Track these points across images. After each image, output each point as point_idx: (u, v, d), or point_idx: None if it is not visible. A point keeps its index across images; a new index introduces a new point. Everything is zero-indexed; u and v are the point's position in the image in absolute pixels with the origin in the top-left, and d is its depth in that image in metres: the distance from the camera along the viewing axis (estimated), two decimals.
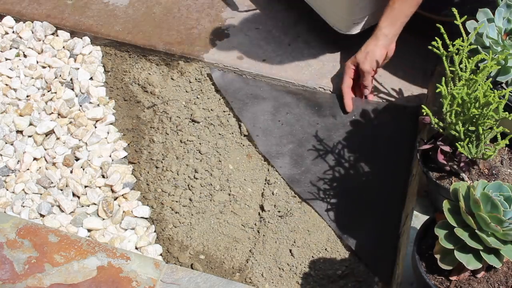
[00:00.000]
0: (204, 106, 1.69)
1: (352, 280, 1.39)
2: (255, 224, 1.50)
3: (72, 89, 1.74)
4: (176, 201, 1.54)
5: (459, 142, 1.09)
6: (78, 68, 1.77)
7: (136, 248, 1.46)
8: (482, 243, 0.93)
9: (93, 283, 1.22)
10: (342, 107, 1.64)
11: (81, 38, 1.84)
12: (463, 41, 1.10)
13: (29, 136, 1.64)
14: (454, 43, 1.09)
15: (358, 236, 1.45)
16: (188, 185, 1.56)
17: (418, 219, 1.25)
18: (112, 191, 1.56)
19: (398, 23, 1.52)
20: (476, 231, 0.93)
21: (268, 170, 1.58)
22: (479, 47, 1.16)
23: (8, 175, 1.57)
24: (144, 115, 1.71)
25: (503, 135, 1.09)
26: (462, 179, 1.13)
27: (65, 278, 1.23)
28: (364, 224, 1.47)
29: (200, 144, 1.63)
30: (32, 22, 1.87)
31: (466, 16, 1.16)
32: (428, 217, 1.12)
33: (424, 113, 1.12)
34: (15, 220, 1.33)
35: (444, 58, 1.10)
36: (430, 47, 1.13)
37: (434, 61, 1.69)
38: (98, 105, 1.72)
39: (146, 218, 1.52)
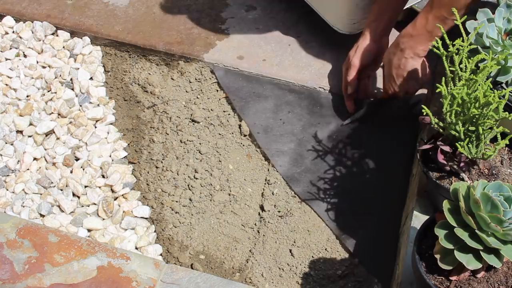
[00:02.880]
0: (204, 106, 1.69)
1: (352, 280, 1.39)
2: (255, 224, 1.50)
3: (72, 89, 1.74)
4: (176, 201, 1.54)
5: (459, 142, 1.09)
6: (78, 68, 1.77)
7: (136, 248, 1.46)
8: (482, 243, 0.93)
9: (93, 283, 1.22)
10: (344, 107, 1.64)
11: (81, 38, 1.84)
12: (463, 41, 1.10)
13: (29, 136, 1.64)
14: (454, 43, 1.09)
15: (357, 237, 1.45)
16: (188, 185, 1.56)
17: (418, 219, 1.25)
18: (112, 191, 1.56)
19: (386, 18, 1.50)
20: (476, 231, 0.93)
21: (268, 170, 1.59)
22: (479, 47, 1.16)
23: (8, 175, 1.57)
24: (144, 115, 1.71)
25: (503, 135, 1.09)
26: (462, 179, 1.13)
27: (65, 278, 1.23)
28: (364, 225, 1.47)
29: (200, 144, 1.63)
30: (32, 22, 1.87)
31: (466, 16, 1.16)
32: (428, 217, 1.12)
33: (424, 113, 1.12)
34: (15, 220, 1.33)
35: (444, 58, 1.10)
36: (430, 46, 1.13)
37: (434, 61, 1.69)
38: (98, 105, 1.72)
39: (146, 218, 1.52)
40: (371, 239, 1.45)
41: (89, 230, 1.48)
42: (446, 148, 1.13)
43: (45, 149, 1.62)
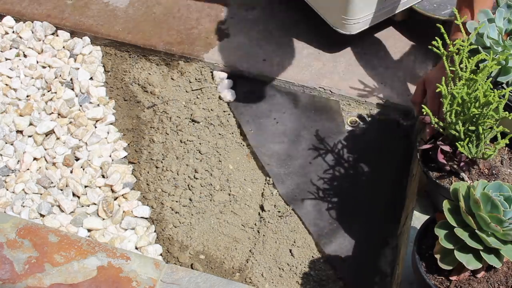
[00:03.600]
0: (204, 106, 1.69)
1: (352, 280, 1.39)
2: (255, 224, 1.50)
3: (72, 89, 1.73)
4: (176, 201, 1.54)
5: (459, 142, 1.08)
6: (78, 68, 1.77)
7: (136, 248, 1.46)
8: (482, 243, 0.93)
9: (93, 283, 1.22)
10: (343, 108, 1.65)
11: (81, 38, 1.84)
12: (463, 41, 1.10)
13: (29, 136, 1.64)
14: (454, 42, 1.09)
15: (337, 247, 1.44)
16: (188, 185, 1.56)
17: (418, 219, 1.25)
18: (112, 191, 1.56)
19: None
20: (476, 231, 0.93)
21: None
22: (479, 47, 1.16)
23: (8, 175, 1.57)
24: (144, 115, 1.71)
25: (503, 135, 1.09)
26: (462, 179, 1.13)
27: (65, 278, 1.23)
28: (345, 234, 1.46)
29: (200, 144, 1.63)
30: (32, 22, 1.87)
31: (466, 16, 1.16)
32: (428, 217, 1.12)
33: (424, 113, 1.12)
34: (15, 220, 1.33)
35: (444, 58, 1.10)
36: (430, 46, 1.13)
37: (434, 61, 1.70)
38: (98, 105, 1.71)
39: (146, 218, 1.52)
40: (351, 250, 1.44)
41: (89, 230, 1.48)
42: (446, 148, 1.13)
43: (45, 149, 1.62)
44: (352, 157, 1.58)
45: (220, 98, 1.71)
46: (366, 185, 1.53)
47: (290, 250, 1.44)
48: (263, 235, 1.47)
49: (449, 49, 1.10)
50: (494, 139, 1.11)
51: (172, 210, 1.52)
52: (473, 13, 1.24)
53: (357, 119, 1.64)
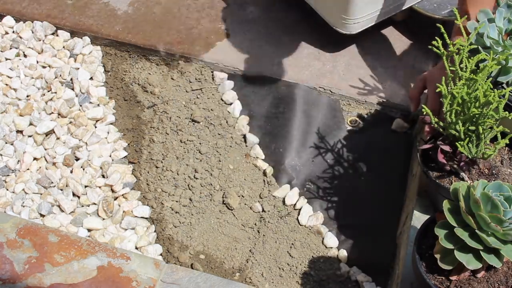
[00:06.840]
0: (204, 106, 1.69)
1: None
2: (255, 224, 1.50)
3: (72, 89, 1.73)
4: (176, 201, 1.54)
5: (459, 142, 1.08)
6: (78, 68, 1.77)
7: (136, 248, 1.46)
8: (482, 243, 0.93)
9: (93, 283, 1.22)
10: (343, 108, 1.65)
11: (81, 38, 1.84)
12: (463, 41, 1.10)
13: (29, 136, 1.64)
14: (454, 42, 1.09)
15: (352, 238, 1.45)
16: (188, 185, 1.56)
17: (418, 219, 1.25)
18: (112, 191, 1.56)
19: None
20: (476, 231, 0.93)
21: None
22: (479, 47, 1.16)
23: (8, 175, 1.57)
24: (144, 115, 1.71)
25: (503, 135, 1.09)
26: (462, 179, 1.13)
27: (65, 278, 1.23)
28: (357, 226, 1.46)
29: (200, 144, 1.63)
30: (32, 22, 1.87)
31: (466, 16, 1.17)
32: (428, 217, 1.12)
33: (424, 113, 1.12)
34: (15, 220, 1.33)
35: (444, 57, 1.10)
36: (430, 46, 1.13)
37: (434, 61, 1.70)
38: (98, 105, 1.71)
39: (146, 218, 1.52)
40: (366, 241, 1.44)
41: (89, 230, 1.48)
42: (446, 148, 1.13)
43: (45, 149, 1.62)
44: (352, 156, 1.58)
45: (220, 98, 1.71)
46: (365, 185, 1.53)
47: (290, 250, 1.44)
48: (263, 235, 1.47)
49: (449, 49, 1.10)
50: (494, 139, 1.11)
51: (172, 210, 1.52)
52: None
53: (357, 119, 1.64)
